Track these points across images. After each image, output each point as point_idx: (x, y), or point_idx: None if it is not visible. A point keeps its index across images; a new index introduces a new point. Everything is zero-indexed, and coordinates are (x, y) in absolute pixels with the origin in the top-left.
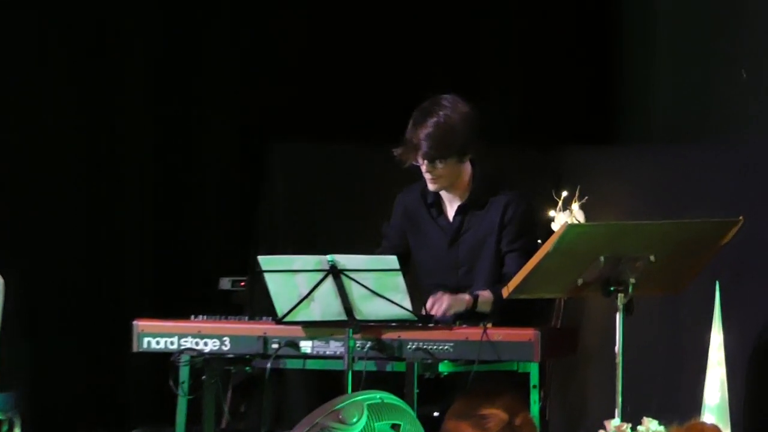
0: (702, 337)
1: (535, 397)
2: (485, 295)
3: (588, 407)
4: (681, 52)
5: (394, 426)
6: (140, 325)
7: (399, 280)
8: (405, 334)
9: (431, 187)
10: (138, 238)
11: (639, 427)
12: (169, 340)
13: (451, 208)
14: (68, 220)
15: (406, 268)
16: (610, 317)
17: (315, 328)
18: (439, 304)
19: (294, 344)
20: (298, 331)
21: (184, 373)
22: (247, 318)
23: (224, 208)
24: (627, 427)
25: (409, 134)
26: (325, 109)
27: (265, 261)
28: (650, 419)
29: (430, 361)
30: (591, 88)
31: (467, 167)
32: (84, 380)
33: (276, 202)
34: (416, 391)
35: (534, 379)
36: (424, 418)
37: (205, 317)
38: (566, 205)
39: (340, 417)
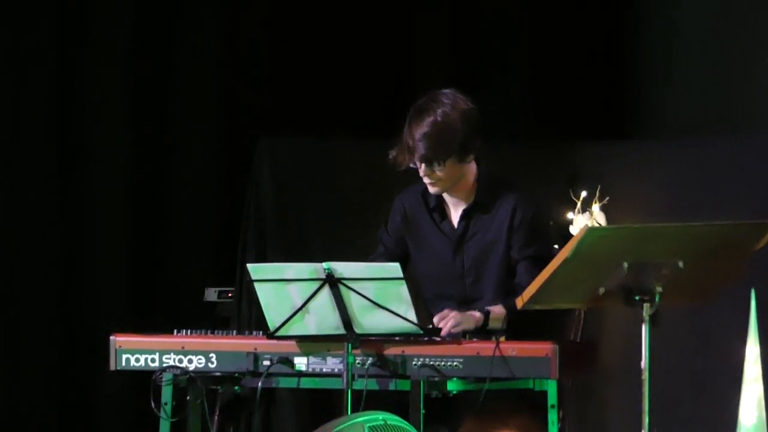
0: (736, 351)
1: (552, 417)
2: (496, 311)
3: (610, 429)
4: (701, 40)
5: None
6: (118, 340)
7: (402, 289)
8: (409, 349)
9: (432, 190)
10: (115, 244)
11: None
12: (149, 357)
13: (455, 211)
14: (42, 228)
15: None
16: (634, 330)
17: (310, 343)
18: (446, 322)
19: (287, 361)
20: (291, 346)
21: (166, 394)
22: (235, 332)
23: (208, 212)
24: None
25: (404, 134)
26: (318, 104)
27: (254, 269)
28: None
29: (437, 378)
30: (606, 79)
31: (471, 167)
32: (57, 401)
33: (264, 204)
34: (422, 411)
35: (552, 398)
36: None
37: (189, 332)
38: (585, 207)
39: None
